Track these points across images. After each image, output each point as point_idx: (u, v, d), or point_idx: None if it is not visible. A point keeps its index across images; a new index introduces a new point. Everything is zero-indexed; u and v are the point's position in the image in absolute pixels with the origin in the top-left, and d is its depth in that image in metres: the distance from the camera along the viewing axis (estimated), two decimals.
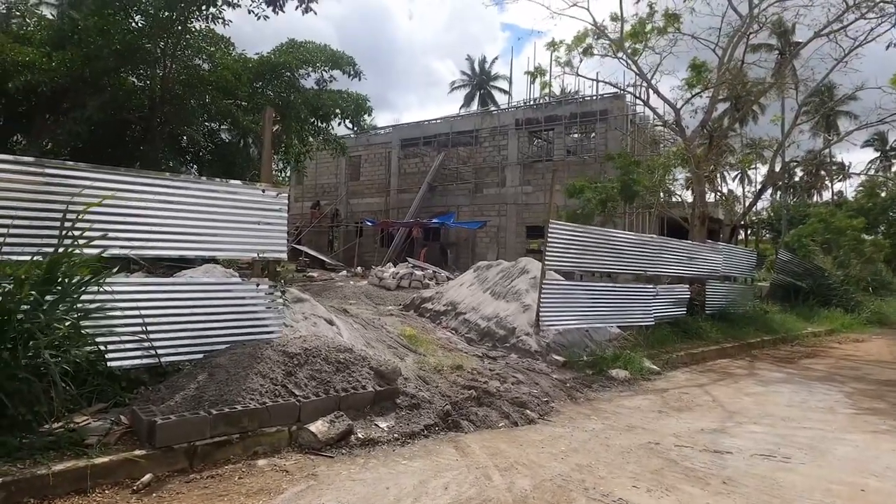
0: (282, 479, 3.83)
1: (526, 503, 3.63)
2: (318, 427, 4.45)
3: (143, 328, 4.65)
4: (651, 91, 14.82)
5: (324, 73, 18.20)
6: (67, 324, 4.02)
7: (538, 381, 6.76)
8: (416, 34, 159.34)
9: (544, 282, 8.37)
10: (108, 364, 4.41)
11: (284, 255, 5.93)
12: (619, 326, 9.71)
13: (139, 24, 14.71)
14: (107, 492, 3.47)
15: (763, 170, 22.26)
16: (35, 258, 4.06)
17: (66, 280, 4.16)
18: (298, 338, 5.47)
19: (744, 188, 41.99)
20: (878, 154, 52.49)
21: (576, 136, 26.53)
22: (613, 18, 14.63)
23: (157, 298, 4.93)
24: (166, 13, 14.10)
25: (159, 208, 4.88)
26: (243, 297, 5.48)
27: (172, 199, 4.97)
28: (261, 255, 5.65)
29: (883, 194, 23.93)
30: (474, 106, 54.07)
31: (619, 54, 14.43)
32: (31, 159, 4.41)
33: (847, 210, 23.67)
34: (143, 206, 4.79)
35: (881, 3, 12.94)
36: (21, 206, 4.19)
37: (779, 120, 19.14)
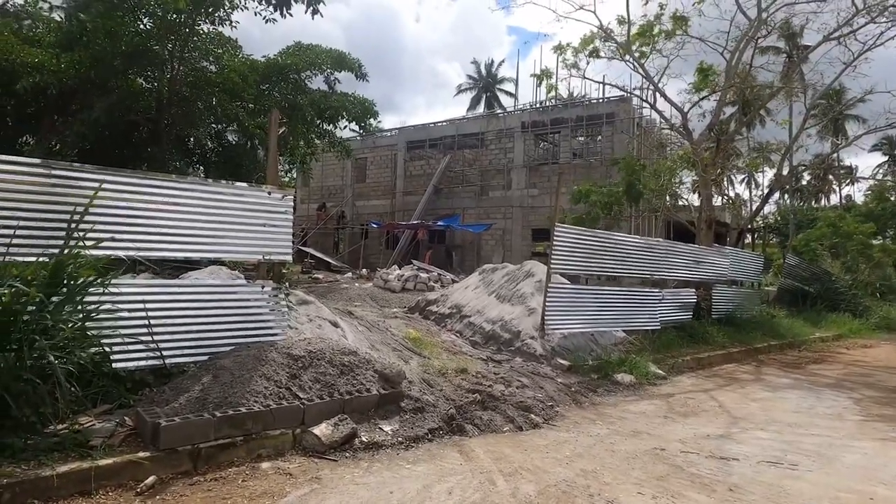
0: (285, 482, 3.82)
1: None
2: (322, 430, 4.44)
3: (149, 330, 4.66)
4: (658, 94, 14.78)
5: (330, 74, 18.25)
6: (73, 325, 4.03)
7: (543, 386, 6.73)
8: (423, 37, 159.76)
9: (549, 285, 8.34)
10: (113, 365, 4.42)
11: (290, 258, 5.94)
12: (624, 330, 9.66)
13: (147, 26, 14.79)
14: (111, 494, 3.47)
15: (770, 173, 22.12)
16: (41, 259, 4.08)
17: (72, 281, 4.17)
18: (303, 340, 5.46)
19: (751, 192, 41.83)
20: (886, 158, 52.16)
21: (582, 139, 26.47)
22: (620, 22, 14.60)
23: (162, 300, 4.94)
24: (174, 15, 14.17)
25: (165, 210, 4.90)
26: (248, 299, 5.48)
27: (179, 200, 4.99)
28: (266, 258, 5.65)
29: (892, 198, 23.75)
30: (480, 108, 54.11)
31: (626, 57, 14.39)
32: (37, 160, 4.43)
33: (855, 214, 23.51)
34: (150, 208, 4.80)
35: (892, 7, 12.85)
36: (27, 206, 4.21)
37: (787, 124, 19.05)
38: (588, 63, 15.49)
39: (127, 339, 4.52)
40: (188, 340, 5.02)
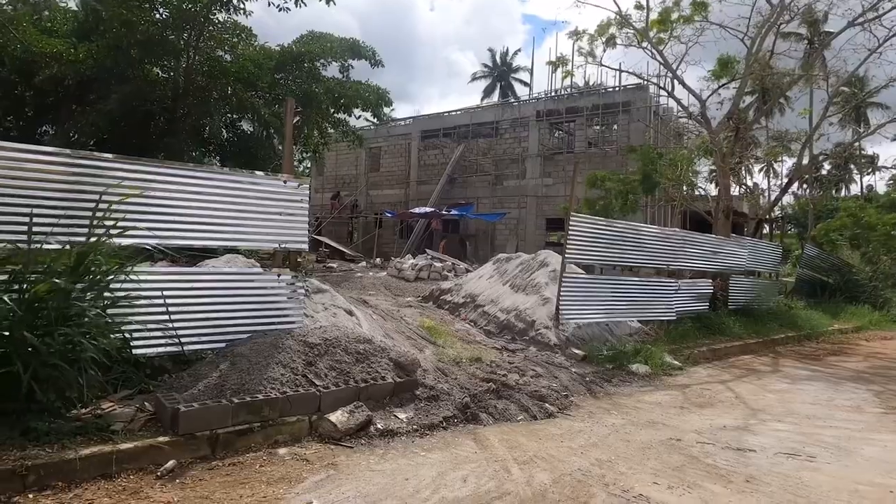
0: (302, 467, 3.87)
1: (545, 497, 3.61)
2: (338, 417, 4.48)
3: (168, 317, 4.72)
4: (676, 82, 14.53)
5: (344, 62, 18.22)
6: (96, 312, 4.09)
7: (557, 375, 6.72)
8: (438, 27, 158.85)
9: (564, 275, 8.30)
10: (133, 352, 4.49)
11: (305, 246, 5.97)
12: (639, 321, 9.61)
13: (163, 16, 14.85)
14: (132, 477, 3.53)
15: (790, 163, 21.75)
16: (65, 247, 4.13)
17: (97, 269, 4.23)
18: (318, 328, 5.50)
19: (769, 181, 41.18)
20: None
21: (597, 127, 26.20)
22: (638, 6, 14.36)
23: (180, 288, 5.00)
24: (189, 4, 14.20)
25: (184, 198, 4.94)
26: (265, 288, 5.52)
27: (197, 189, 5.03)
28: (282, 246, 5.69)
29: None
30: (495, 97, 53.75)
31: (644, 44, 14.17)
32: (59, 149, 4.48)
33: (877, 204, 23.04)
34: (169, 196, 4.85)
35: None
36: (51, 195, 4.27)
37: (807, 113, 18.66)
38: (605, 50, 15.29)
39: (147, 326, 4.59)
40: (206, 328, 5.07)
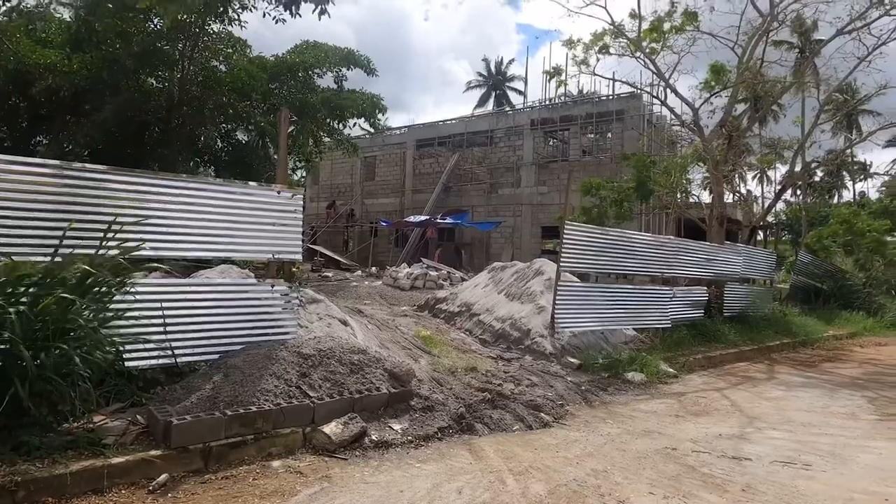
0: (296, 480, 3.84)
1: None
2: (332, 429, 4.45)
3: (163, 329, 4.69)
4: (669, 90, 14.66)
5: (338, 72, 18.29)
6: (93, 326, 4.06)
7: (553, 384, 6.71)
8: (433, 37, 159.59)
9: (559, 283, 8.31)
10: (126, 364, 4.45)
11: (299, 256, 5.95)
12: (635, 329, 9.62)
13: (157, 27, 14.88)
14: (123, 492, 3.49)
15: (783, 170, 21.88)
16: (55, 259, 4.11)
17: (101, 283, 4.20)
18: (313, 339, 5.48)
19: (763, 188, 41.43)
20: None
21: (591, 136, 26.32)
22: (632, 16, 14.51)
23: (174, 299, 4.97)
24: (184, 15, 14.24)
25: (178, 210, 4.92)
26: (259, 298, 5.50)
27: (190, 200, 5.01)
28: (276, 256, 5.67)
29: None
30: (489, 106, 53.98)
31: (637, 53, 14.29)
32: (53, 162, 4.45)
33: (869, 211, 23.19)
34: (163, 208, 4.83)
35: None
36: (45, 207, 4.24)
37: (799, 121, 18.82)
38: (598, 60, 15.43)
39: (140, 339, 4.55)
40: (199, 339, 5.04)
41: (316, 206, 33.68)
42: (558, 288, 8.28)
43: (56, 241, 4.13)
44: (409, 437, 4.73)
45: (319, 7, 8.74)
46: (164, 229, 4.85)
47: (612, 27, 14.54)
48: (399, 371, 5.38)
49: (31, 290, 3.85)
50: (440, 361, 6.91)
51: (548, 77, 23.56)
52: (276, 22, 14.53)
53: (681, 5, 14.13)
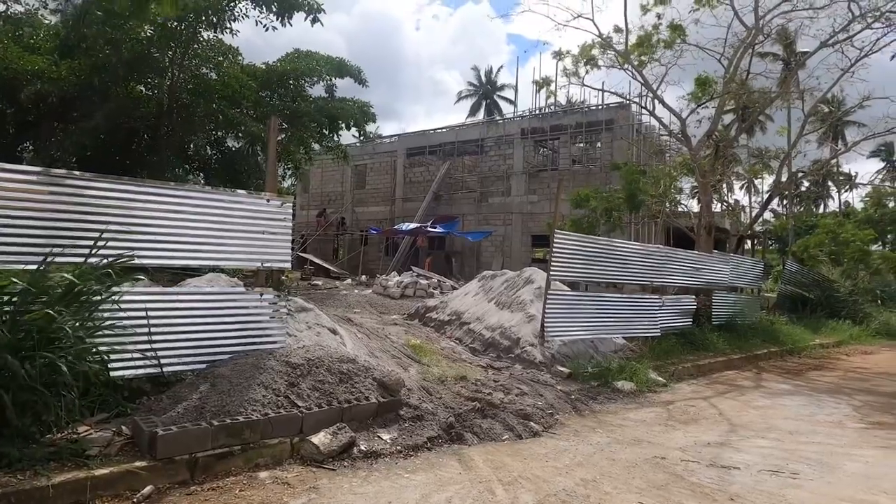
0: (283, 491, 3.80)
1: None
2: (321, 439, 4.41)
3: (149, 338, 4.64)
4: (657, 101, 14.81)
5: (329, 81, 18.31)
6: (79, 335, 4.01)
7: (543, 393, 6.70)
8: (424, 47, 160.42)
9: (549, 292, 8.33)
10: (111, 374, 4.39)
11: (288, 265, 5.92)
12: (624, 337, 9.64)
13: (148, 34, 14.83)
14: None
15: (770, 180, 22.15)
16: (41, 267, 4.06)
17: (89, 293, 4.16)
18: (302, 348, 5.44)
19: (750, 198, 41.90)
20: (884, 164, 52.35)
21: (581, 145, 26.52)
22: (617, 31, 14.69)
23: (160, 308, 4.91)
24: (175, 23, 14.20)
25: (166, 217, 4.89)
26: (247, 307, 5.46)
27: (178, 208, 4.98)
28: (264, 265, 5.64)
29: (891, 204, 23.75)
30: (480, 115, 54.29)
31: (625, 66, 14.45)
32: (37, 169, 4.41)
33: (854, 220, 23.53)
34: (150, 216, 4.80)
35: (888, 14, 12.90)
36: (29, 215, 4.20)
37: (785, 131, 19.06)
38: (587, 72, 15.56)
39: (126, 348, 4.50)
40: (186, 348, 4.99)
41: (306, 214, 33.60)
42: (548, 297, 8.30)
43: (41, 250, 4.09)
44: (399, 447, 4.70)
45: (311, 15, 8.78)
46: (150, 237, 4.81)
47: (599, 39, 14.70)
48: (388, 380, 5.35)
49: (14, 299, 3.81)
50: (430, 370, 6.89)
51: (537, 88, 23.81)
52: (268, 30, 14.62)
53: (666, 18, 14.31)
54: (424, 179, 29.74)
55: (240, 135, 17.42)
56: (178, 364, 4.92)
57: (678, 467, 4.69)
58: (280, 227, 5.63)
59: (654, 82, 14.49)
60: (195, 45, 15.46)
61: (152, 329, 4.69)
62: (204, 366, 4.98)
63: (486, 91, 58.02)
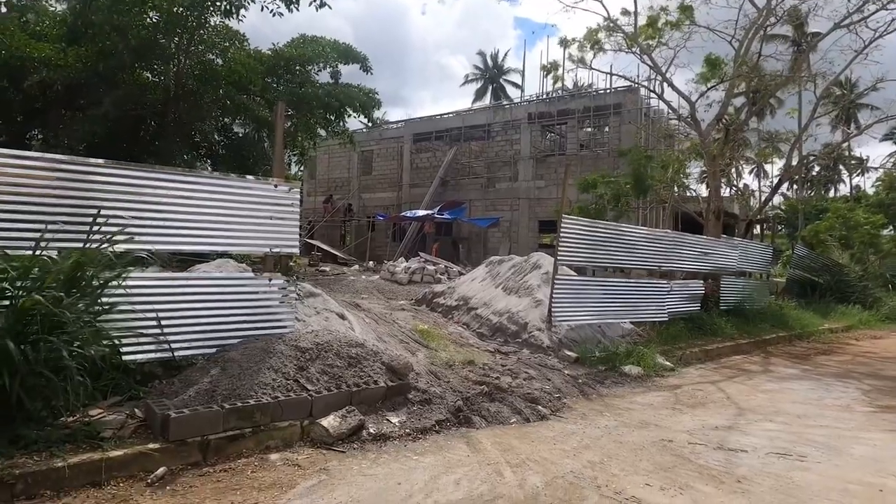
0: (294, 473, 3.85)
1: (538, 500, 3.61)
2: (330, 422, 4.47)
3: (158, 323, 4.69)
4: (665, 84, 14.64)
5: (335, 67, 18.22)
6: (87, 319, 4.06)
7: (550, 377, 6.73)
8: (430, 31, 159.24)
9: (556, 277, 8.32)
10: (123, 358, 4.45)
11: (296, 250, 5.95)
12: (632, 322, 9.64)
13: (154, 20, 14.78)
14: (121, 485, 3.51)
15: (780, 163, 21.91)
16: (51, 253, 4.10)
17: (88, 276, 4.19)
18: (310, 332, 5.49)
19: (760, 182, 41.50)
20: None
21: (589, 129, 26.30)
22: (625, 13, 14.49)
23: (171, 293, 4.97)
24: (181, 9, 14.14)
25: (174, 203, 4.92)
26: (256, 292, 5.50)
27: (187, 194, 5.01)
28: (273, 250, 5.67)
29: None
30: (486, 100, 53.86)
31: (633, 48, 14.27)
32: (47, 155, 4.44)
33: (866, 204, 23.27)
34: (160, 202, 4.83)
35: None
36: (40, 201, 4.24)
37: (795, 113, 18.82)
38: (594, 56, 15.39)
39: (137, 332, 4.55)
40: (197, 333, 5.05)
41: (313, 200, 33.65)
42: (555, 281, 8.30)
43: (50, 235, 4.12)
44: (407, 430, 4.75)
45: (318, 0, 8.71)
46: (159, 223, 4.85)
47: (607, 22, 14.51)
48: (397, 364, 5.39)
49: (18, 283, 3.84)
50: (438, 355, 6.93)
51: (544, 73, 23.60)
52: (274, 15, 14.51)
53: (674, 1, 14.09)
54: (431, 165, 29.66)
55: (247, 121, 17.40)
56: (190, 348, 4.98)
57: (685, 450, 4.71)
58: (288, 213, 5.65)
59: (662, 65, 14.32)
60: (201, 32, 15.40)
61: (163, 314, 4.74)
62: (214, 350, 5.03)
63: (492, 75, 57.51)
